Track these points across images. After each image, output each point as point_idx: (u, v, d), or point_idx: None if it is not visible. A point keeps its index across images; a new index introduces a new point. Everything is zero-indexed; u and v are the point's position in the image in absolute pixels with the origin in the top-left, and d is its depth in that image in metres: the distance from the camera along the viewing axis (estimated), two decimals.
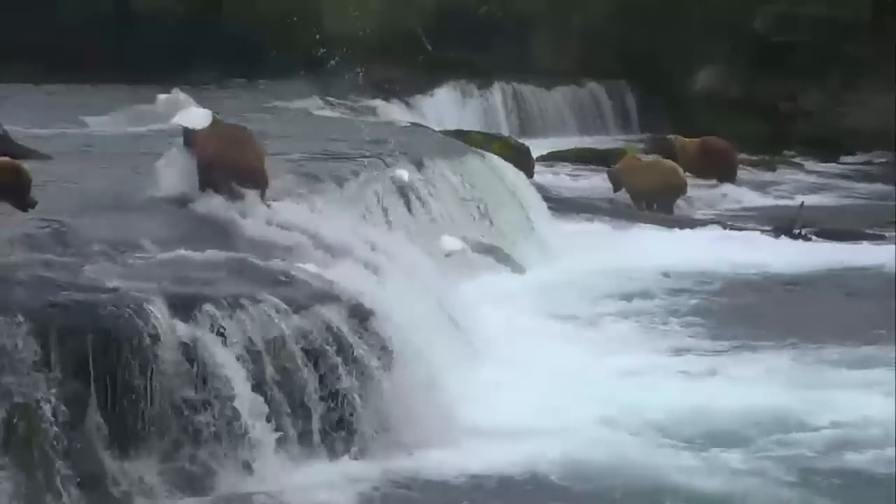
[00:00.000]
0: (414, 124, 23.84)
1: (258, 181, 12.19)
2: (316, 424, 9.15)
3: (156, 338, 8.59)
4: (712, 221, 20.30)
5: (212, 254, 10.26)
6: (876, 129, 30.29)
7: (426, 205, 15.79)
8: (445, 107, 31.75)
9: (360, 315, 9.78)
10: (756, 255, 17.72)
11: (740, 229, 19.65)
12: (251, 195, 12.05)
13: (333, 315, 9.61)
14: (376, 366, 9.50)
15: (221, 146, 12.10)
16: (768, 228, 19.53)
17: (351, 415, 9.28)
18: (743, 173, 25.81)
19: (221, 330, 8.95)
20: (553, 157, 27.00)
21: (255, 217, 11.86)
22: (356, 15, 33.64)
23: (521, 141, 25.58)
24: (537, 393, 10.77)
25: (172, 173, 12.35)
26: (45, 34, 31.71)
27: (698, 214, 21.54)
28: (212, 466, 8.66)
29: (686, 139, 24.43)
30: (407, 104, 30.99)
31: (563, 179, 24.72)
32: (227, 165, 12.12)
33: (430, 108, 31.15)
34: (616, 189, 21.63)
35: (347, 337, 9.49)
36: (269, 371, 9.06)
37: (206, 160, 12.10)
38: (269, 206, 12.12)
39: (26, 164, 11.05)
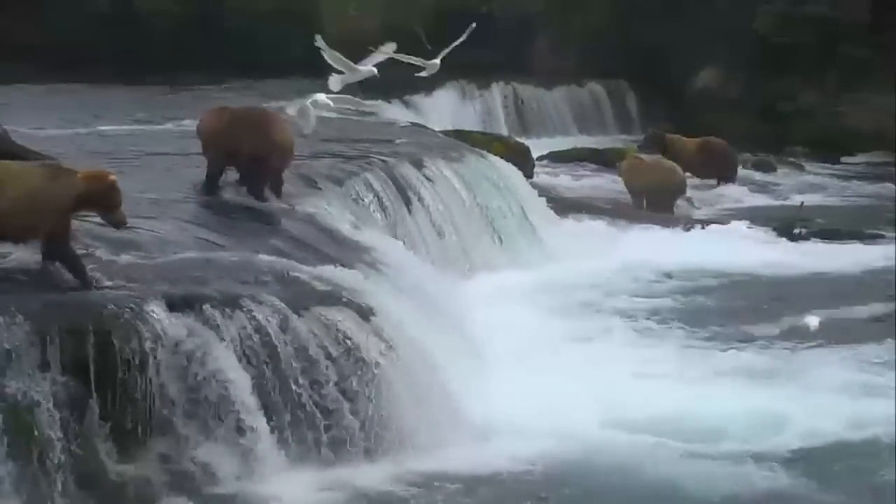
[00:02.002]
0: (414, 124, 23.79)
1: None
2: (317, 424, 9.15)
3: (156, 338, 8.60)
4: (712, 221, 20.28)
5: (212, 254, 10.26)
6: (876, 129, 30.29)
7: (426, 205, 15.78)
8: (445, 107, 31.65)
9: (362, 314, 9.78)
10: (756, 254, 17.71)
11: (740, 229, 19.62)
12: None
13: (335, 315, 9.61)
14: (379, 365, 9.50)
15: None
16: (768, 228, 19.51)
17: (352, 415, 9.28)
18: (743, 173, 25.82)
19: (221, 330, 8.95)
20: (553, 157, 26.97)
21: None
22: (356, 14, 33.70)
23: (521, 141, 25.56)
24: (538, 392, 10.77)
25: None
26: (43, 34, 31.69)
27: (698, 214, 21.52)
28: (212, 466, 8.66)
29: (686, 139, 24.43)
30: (407, 104, 30.90)
31: (563, 179, 24.68)
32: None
33: (430, 108, 31.04)
34: None
35: (349, 337, 9.49)
36: (269, 371, 9.06)
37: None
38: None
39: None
